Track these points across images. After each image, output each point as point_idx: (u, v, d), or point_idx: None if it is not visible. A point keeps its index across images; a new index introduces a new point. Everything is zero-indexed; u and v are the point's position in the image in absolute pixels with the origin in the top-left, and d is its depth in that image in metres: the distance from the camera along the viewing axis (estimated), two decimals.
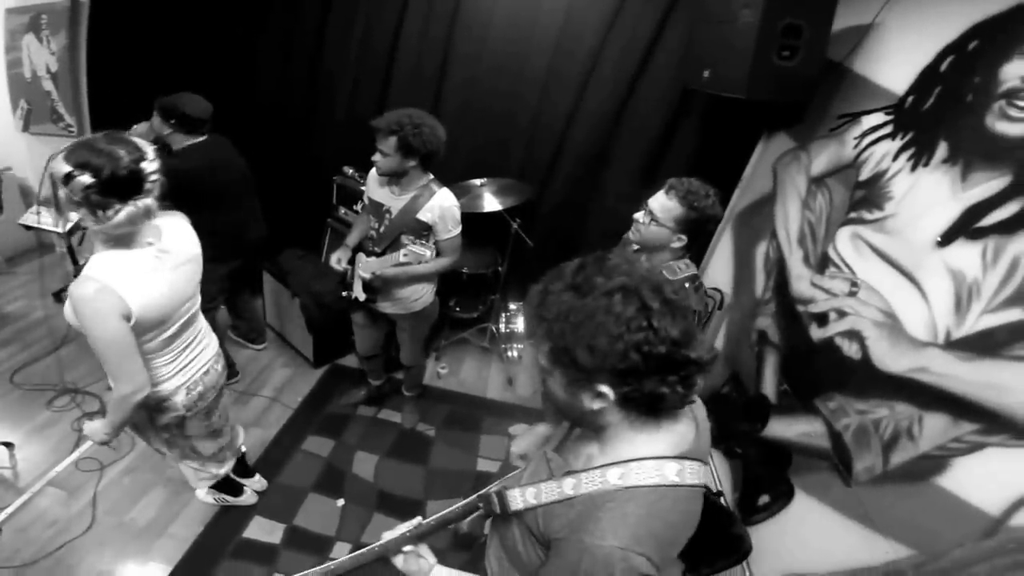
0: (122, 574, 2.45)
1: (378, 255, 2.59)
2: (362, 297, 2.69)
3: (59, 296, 4.44)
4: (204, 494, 2.69)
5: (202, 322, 2.03)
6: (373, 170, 2.52)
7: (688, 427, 1.01)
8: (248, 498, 2.74)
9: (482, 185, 3.47)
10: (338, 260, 2.70)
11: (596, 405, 0.92)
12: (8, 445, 2.94)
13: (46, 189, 1.53)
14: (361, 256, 2.68)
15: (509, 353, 3.86)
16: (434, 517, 1.24)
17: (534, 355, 1.00)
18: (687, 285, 1.92)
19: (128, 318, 1.54)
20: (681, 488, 0.94)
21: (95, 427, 1.82)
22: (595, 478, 0.96)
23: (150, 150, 1.53)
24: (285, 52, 3.87)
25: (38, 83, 4.59)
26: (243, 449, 2.66)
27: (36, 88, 4.63)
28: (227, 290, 3.29)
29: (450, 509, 1.24)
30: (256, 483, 2.79)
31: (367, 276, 2.56)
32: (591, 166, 3.61)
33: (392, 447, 3.20)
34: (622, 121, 3.49)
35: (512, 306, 3.36)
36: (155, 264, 1.63)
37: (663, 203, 1.93)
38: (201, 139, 2.85)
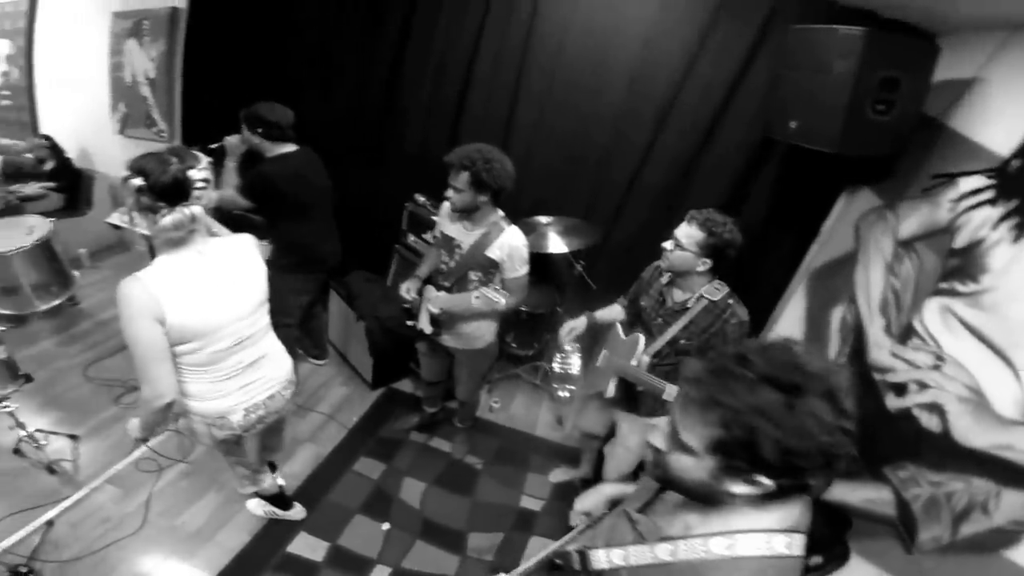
0: None
1: (447, 289, 2.63)
2: (428, 330, 2.72)
3: None
4: (254, 505, 2.78)
5: (271, 345, 2.09)
6: (446, 204, 2.55)
7: (805, 505, 0.98)
8: (296, 513, 2.80)
9: (548, 224, 3.47)
10: (407, 290, 2.75)
11: (742, 490, 0.91)
12: (73, 438, 3.11)
13: None
14: (430, 289, 2.71)
15: (560, 393, 3.81)
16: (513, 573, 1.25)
17: (666, 429, 0.99)
18: (731, 301, 2.20)
19: (162, 322, 1.59)
20: (787, 559, 0.92)
21: (133, 423, 1.92)
22: (696, 547, 0.94)
23: (204, 161, 1.64)
24: (364, 76, 4.00)
25: (136, 88, 4.90)
26: (281, 483, 2.76)
27: (134, 93, 4.93)
28: (304, 306, 3.38)
29: (525, 567, 1.25)
30: (296, 513, 2.83)
31: (435, 311, 2.60)
32: (662, 209, 3.53)
33: (440, 476, 3.23)
34: (698, 165, 3.42)
35: (567, 347, 3.32)
36: (200, 274, 1.69)
37: (686, 231, 2.17)
38: (292, 148, 2.97)
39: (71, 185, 5.09)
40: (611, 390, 2.44)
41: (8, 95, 5.91)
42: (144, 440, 1.99)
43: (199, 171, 1.60)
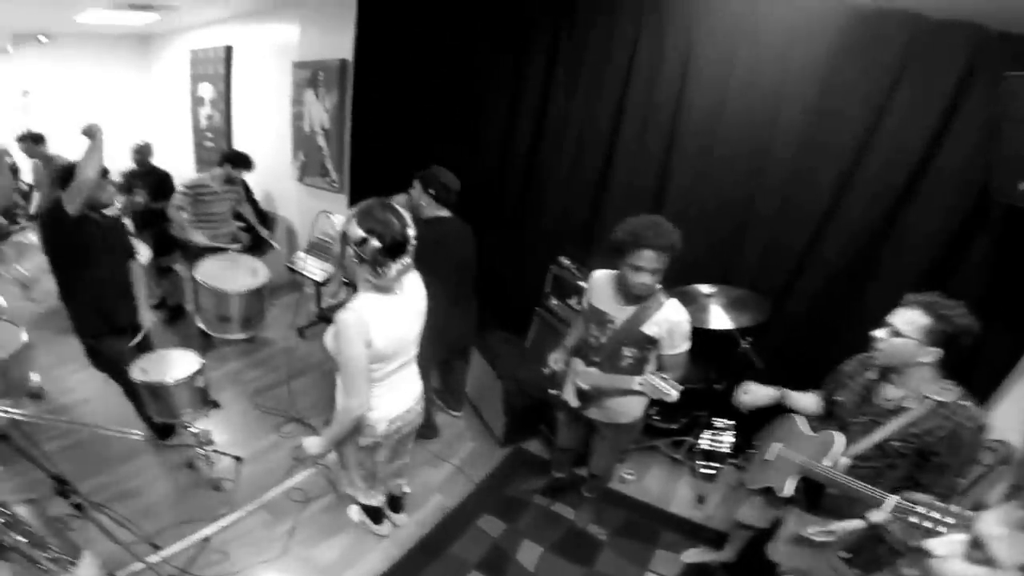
0: None
1: (597, 365, 2.51)
2: (575, 403, 2.65)
3: (302, 332, 5.16)
4: (355, 512, 3.07)
5: (415, 367, 2.39)
6: (597, 274, 2.47)
7: None
8: (383, 529, 3.03)
9: (710, 295, 3.25)
10: (555, 361, 2.74)
11: None
12: (238, 459, 3.46)
13: (314, 237, 1.93)
14: (578, 363, 2.62)
15: (704, 470, 3.58)
16: None
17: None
18: (967, 403, 1.85)
19: (368, 345, 1.94)
20: None
21: (312, 441, 2.25)
22: None
23: (409, 219, 1.92)
24: (508, 135, 4.08)
25: (314, 138, 5.28)
26: (406, 491, 3.05)
27: (312, 142, 5.33)
28: (438, 356, 3.49)
29: None
30: (400, 519, 3.10)
31: (586, 387, 2.53)
32: (844, 284, 3.11)
33: (559, 542, 3.12)
34: (890, 234, 2.96)
35: (719, 423, 3.11)
36: (397, 309, 2.06)
37: (905, 315, 1.88)
38: (448, 214, 3.17)
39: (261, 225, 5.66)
40: (789, 489, 2.16)
41: (211, 137, 6.72)
42: (318, 458, 2.40)
43: (412, 229, 1.91)
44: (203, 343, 4.35)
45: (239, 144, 6.27)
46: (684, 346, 2.38)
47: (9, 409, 2.27)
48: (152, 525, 2.88)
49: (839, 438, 2.05)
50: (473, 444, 3.84)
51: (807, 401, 2.39)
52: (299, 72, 5.19)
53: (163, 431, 3.36)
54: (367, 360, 2.00)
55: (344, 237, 1.91)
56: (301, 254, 4.88)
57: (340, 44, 4.69)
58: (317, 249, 4.84)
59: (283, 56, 5.41)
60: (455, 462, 3.63)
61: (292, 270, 4.72)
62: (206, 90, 6.68)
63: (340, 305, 2.00)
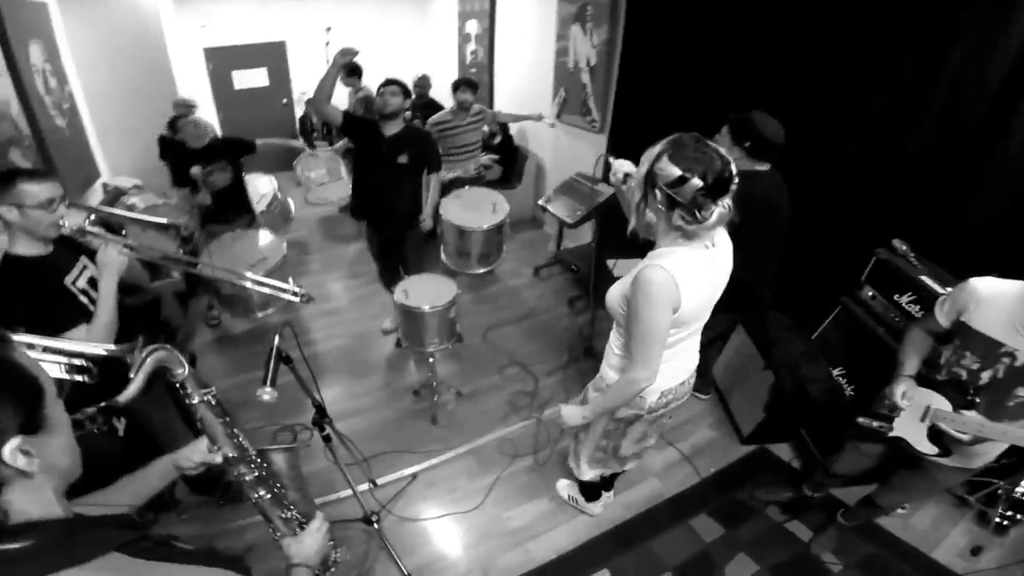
0: (459, 562, 2.62)
1: (973, 406, 1.90)
2: (927, 449, 2.03)
3: (538, 271, 5.10)
4: (564, 486, 2.91)
5: (699, 336, 2.03)
6: (983, 285, 1.84)
7: None
8: (594, 509, 2.81)
9: None
10: (904, 396, 2.04)
11: None
12: (459, 394, 3.55)
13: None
14: (934, 397, 1.99)
15: (999, 519, 2.76)
16: None
17: None
18: None
19: (676, 310, 1.66)
20: None
21: (572, 411, 2.06)
22: None
23: (729, 157, 1.58)
24: (827, 77, 3.09)
25: (577, 74, 5.05)
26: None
27: (575, 79, 5.10)
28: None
29: None
30: (594, 508, 2.83)
31: (965, 437, 1.89)
32: None
33: (781, 565, 2.63)
34: None
35: None
36: (708, 266, 1.71)
37: None
38: (765, 168, 2.57)
39: (509, 160, 5.65)
40: None
41: (474, 73, 6.90)
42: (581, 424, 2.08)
43: (733, 167, 1.58)
44: (445, 271, 4.41)
45: (499, 78, 6.45)
46: None
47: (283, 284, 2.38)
48: (368, 448, 2.96)
49: None
50: (709, 433, 3.38)
51: None
52: (565, 6, 4.99)
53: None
54: (668, 328, 1.71)
55: (648, 178, 1.59)
56: (549, 195, 4.72)
57: None
58: (569, 189, 4.65)
59: None
60: (684, 448, 3.23)
61: (544, 209, 4.61)
62: (472, 26, 6.85)
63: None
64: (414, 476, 2.99)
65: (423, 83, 5.82)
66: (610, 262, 3.65)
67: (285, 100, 8.10)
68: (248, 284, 2.53)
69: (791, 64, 3.20)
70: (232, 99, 7.76)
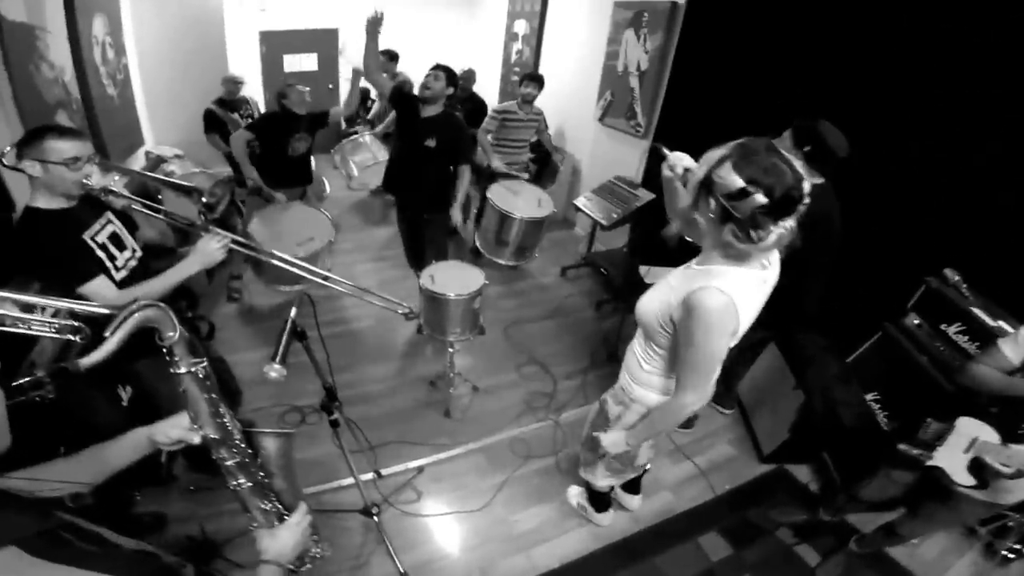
0: (459, 562, 2.54)
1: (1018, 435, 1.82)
2: (963, 481, 1.94)
3: (565, 272, 5.05)
4: (575, 496, 2.80)
5: None
6: None
7: None
8: (603, 519, 2.71)
9: None
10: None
11: None
12: (475, 389, 3.47)
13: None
14: (983, 428, 1.90)
15: (1006, 552, 2.69)
16: None
17: None
18: None
19: (733, 335, 1.56)
20: None
21: (615, 438, 1.96)
22: None
23: (804, 172, 1.40)
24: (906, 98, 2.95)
25: (626, 78, 5.02)
26: (648, 468, 2.66)
27: (623, 83, 5.08)
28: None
29: None
30: (635, 500, 2.80)
31: (1009, 471, 1.79)
32: None
33: None
34: None
35: None
36: (759, 285, 1.58)
37: None
38: (819, 181, 2.41)
39: (543, 160, 5.59)
40: None
41: (518, 72, 6.92)
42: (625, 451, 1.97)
43: (806, 185, 1.40)
44: (472, 260, 4.36)
45: (545, 78, 6.30)
46: None
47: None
48: (376, 437, 2.94)
49: None
50: (728, 449, 3.26)
51: None
52: (620, 12, 5.02)
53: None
54: (726, 352, 1.60)
55: (706, 185, 1.42)
56: (588, 194, 4.72)
57: None
58: (607, 192, 4.62)
59: None
60: (701, 463, 3.12)
61: (578, 209, 4.64)
62: (520, 26, 6.87)
63: None
64: (420, 469, 2.91)
65: (468, 76, 5.79)
66: (643, 269, 3.56)
67: (331, 85, 8.19)
68: (314, 277, 2.42)
69: (849, 81, 3.11)
70: (281, 82, 7.78)
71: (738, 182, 1.34)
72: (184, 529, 2.42)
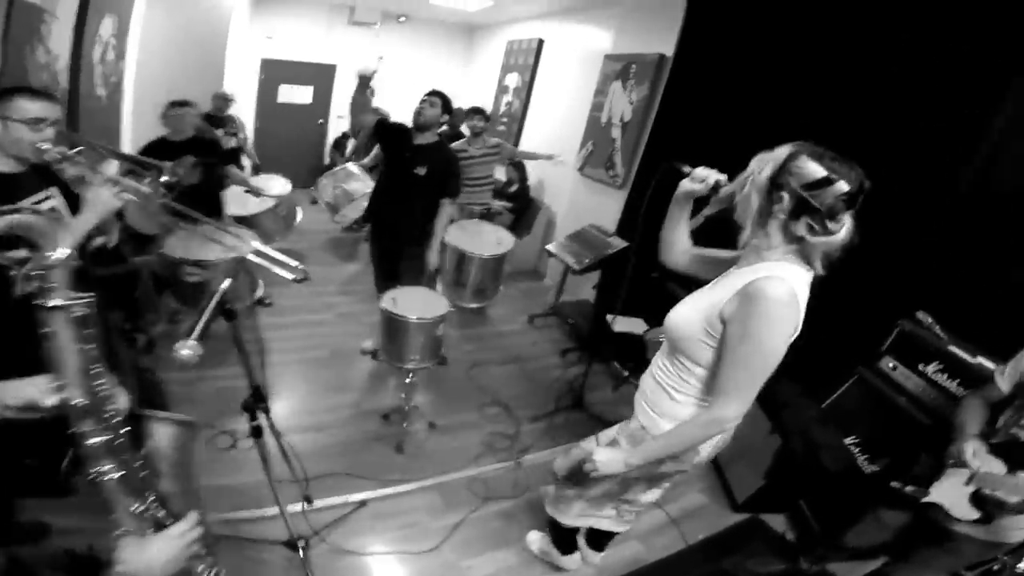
0: None
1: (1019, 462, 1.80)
2: (964, 515, 1.87)
3: (532, 320, 4.93)
4: (537, 542, 2.56)
5: None
6: None
7: None
8: (570, 563, 2.47)
9: None
10: (973, 453, 1.88)
11: None
12: (432, 426, 3.23)
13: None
14: (988, 460, 1.86)
15: None
16: None
17: None
18: None
19: (790, 339, 1.44)
20: None
21: (611, 456, 1.65)
22: None
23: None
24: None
25: (608, 129, 5.09)
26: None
27: (605, 133, 5.13)
28: None
29: None
30: (597, 557, 2.51)
31: (1014, 500, 1.74)
32: None
33: None
34: None
35: None
36: (807, 291, 1.47)
37: None
38: None
39: (522, 209, 5.55)
40: None
41: (505, 122, 7.11)
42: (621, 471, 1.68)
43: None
44: None
45: (529, 128, 6.57)
46: None
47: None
48: (320, 467, 2.69)
49: None
50: (700, 498, 3.07)
51: None
52: (609, 64, 5.12)
53: None
54: (782, 357, 1.44)
55: (776, 182, 1.40)
56: (562, 239, 4.68)
57: (660, 39, 4.42)
58: (580, 238, 4.57)
59: (591, 48, 5.46)
60: (672, 512, 2.91)
61: (551, 255, 4.60)
62: (512, 79, 7.09)
63: None
64: (362, 503, 2.62)
65: (459, 114, 5.79)
66: (610, 317, 3.49)
67: (321, 120, 8.38)
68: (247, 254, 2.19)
69: (823, 130, 3.09)
70: (273, 111, 8.08)
71: (820, 171, 1.35)
72: (68, 543, 2.06)
